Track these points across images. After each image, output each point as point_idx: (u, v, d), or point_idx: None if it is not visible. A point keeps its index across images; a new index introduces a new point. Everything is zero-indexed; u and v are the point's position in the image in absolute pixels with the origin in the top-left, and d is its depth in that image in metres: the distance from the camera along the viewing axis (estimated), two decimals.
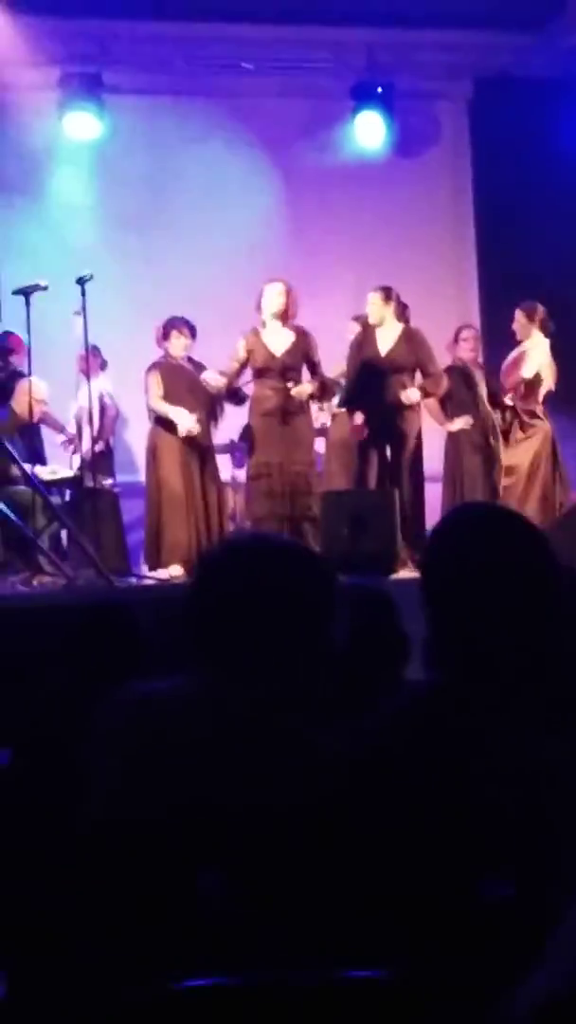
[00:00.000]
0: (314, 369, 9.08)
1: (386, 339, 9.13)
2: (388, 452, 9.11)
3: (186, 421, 9.00)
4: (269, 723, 2.20)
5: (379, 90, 11.38)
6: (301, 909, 2.04)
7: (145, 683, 2.31)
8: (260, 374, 8.96)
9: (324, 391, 9.24)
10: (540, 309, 9.66)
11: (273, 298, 8.95)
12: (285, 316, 8.97)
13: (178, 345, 9.25)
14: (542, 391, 9.60)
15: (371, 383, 9.08)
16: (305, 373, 9.08)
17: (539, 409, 9.64)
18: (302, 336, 9.01)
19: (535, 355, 9.57)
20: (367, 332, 9.25)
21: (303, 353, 8.99)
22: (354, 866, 2.03)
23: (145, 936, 2.06)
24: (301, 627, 2.28)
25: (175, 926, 2.05)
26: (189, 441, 9.10)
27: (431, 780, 2.04)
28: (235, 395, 9.08)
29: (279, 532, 8.28)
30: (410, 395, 9.01)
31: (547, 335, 9.64)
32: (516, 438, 9.61)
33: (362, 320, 9.48)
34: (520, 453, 9.58)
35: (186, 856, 2.07)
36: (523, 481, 9.54)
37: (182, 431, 9.03)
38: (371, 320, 9.22)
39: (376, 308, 9.19)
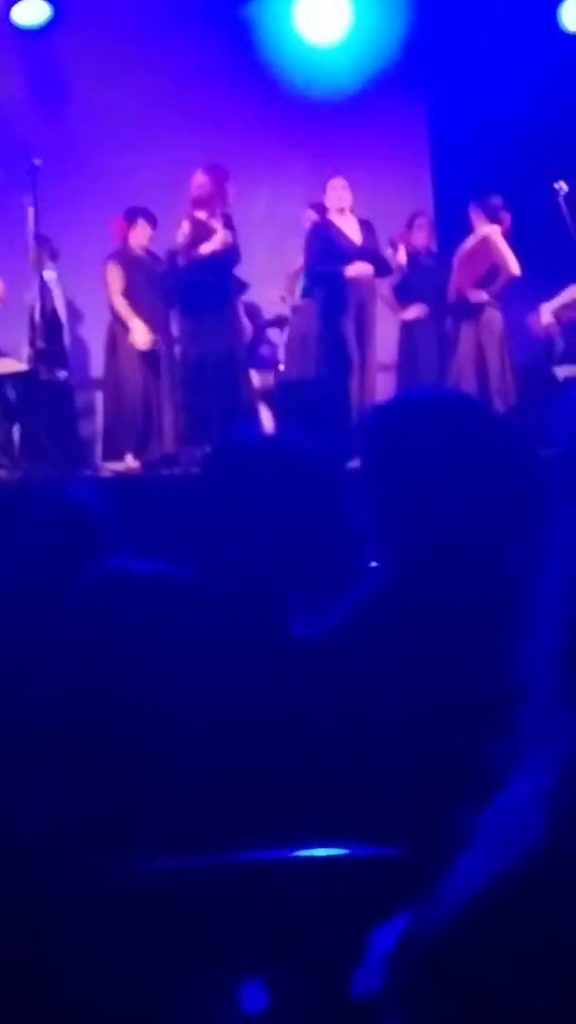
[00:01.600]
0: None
1: (350, 226, 9.06)
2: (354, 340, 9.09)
3: (140, 336, 8.95)
4: (249, 609, 2.21)
5: None
6: (257, 793, 2.06)
7: (125, 560, 2.30)
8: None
9: None
10: (497, 199, 9.59)
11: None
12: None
13: (140, 236, 9.16)
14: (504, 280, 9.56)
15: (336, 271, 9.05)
16: None
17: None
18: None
19: (505, 247, 9.48)
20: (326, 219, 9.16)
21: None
22: (328, 752, 2.05)
23: (137, 822, 2.08)
24: (305, 529, 2.26)
25: (159, 812, 2.07)
26: (151, 331, 9.07)
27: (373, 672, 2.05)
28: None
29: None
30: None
31: (499, 222, 9.58)
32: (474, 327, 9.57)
33: (318, 207, 9.37)
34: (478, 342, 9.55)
35: (156, 733, 2.09)
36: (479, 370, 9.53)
37: (137, 343, 8.98)
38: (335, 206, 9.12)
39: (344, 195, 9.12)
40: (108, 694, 2.12)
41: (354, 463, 7.80)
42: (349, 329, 9.05)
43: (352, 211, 9.14)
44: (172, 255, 8.79)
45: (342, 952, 1.79)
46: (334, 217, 9.07)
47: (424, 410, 2.23)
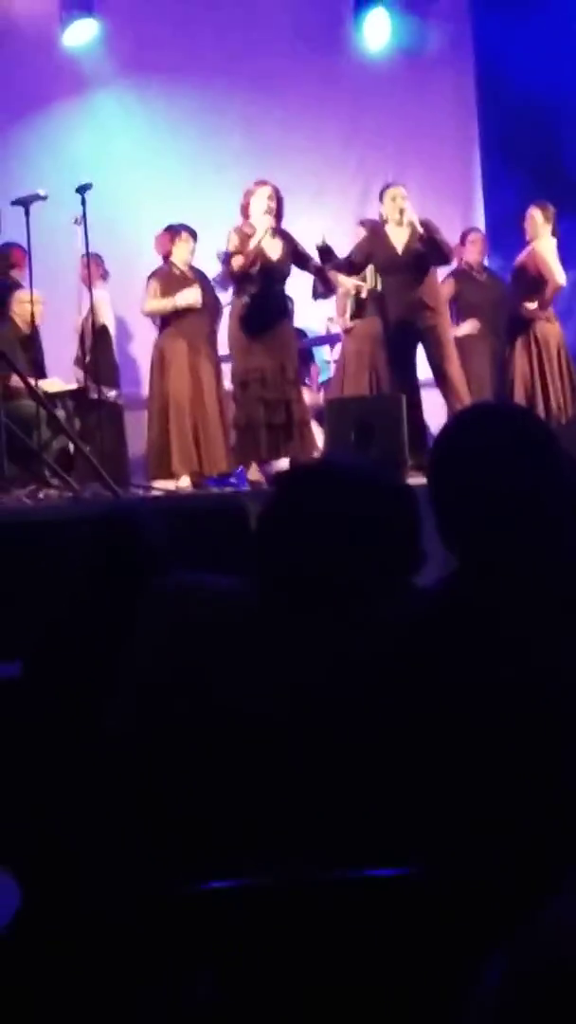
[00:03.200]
0: (306, 262, 8.85)
1: (399, 237, 8.99)
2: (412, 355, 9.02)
3: (188, 296, 8.93)
4: (304, 625, 2.18)
5: None
6: (327, 810, 2.04)
7: (191, 575, 2.30)
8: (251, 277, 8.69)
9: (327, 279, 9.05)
10: (551, 208, 9.52)
11: (264, 201, 8.67)
12: (276, 221, 8.69)
13: (183, 251, 9.16)
14: (551, 291, 9.47)
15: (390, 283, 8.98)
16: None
17: (550, 312, 9.53)
18: (288, 240, 8.76)
19: (552, 257, 9.40)
20: (378, 231, 9.04)
21: (293, 256, 8.76)
22: (378, 767, 2.02)
23: (170, 838, 2.06)
24: (376, 560, 2.24)
25: (200, 828, 2.05)
26: (196, 350, 9.03)
27: (447, 681, 2.03)
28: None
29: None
30: None
31: (555, 234, 9.51)
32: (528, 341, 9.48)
33: (369, 223, 9.32)
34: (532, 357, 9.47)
35: (215, 755, 2.06)
36: (533, 386, 9.44)
37: (183, 301, 8.95)
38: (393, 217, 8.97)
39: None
40: (192, 707, 2.10)
41: (413, 479, 7.78)
42: (409, 349, 8.97)
43: (401, 214, 8.95)
44: (227, 259, 8.74)
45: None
46: (390, 229, 8.96)
47: (485, 420, 2.27)
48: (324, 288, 9.29)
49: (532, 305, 9.36)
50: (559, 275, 9.32)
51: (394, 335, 9.02)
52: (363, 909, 1.90)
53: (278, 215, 8.69)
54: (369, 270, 9.35)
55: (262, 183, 8.74)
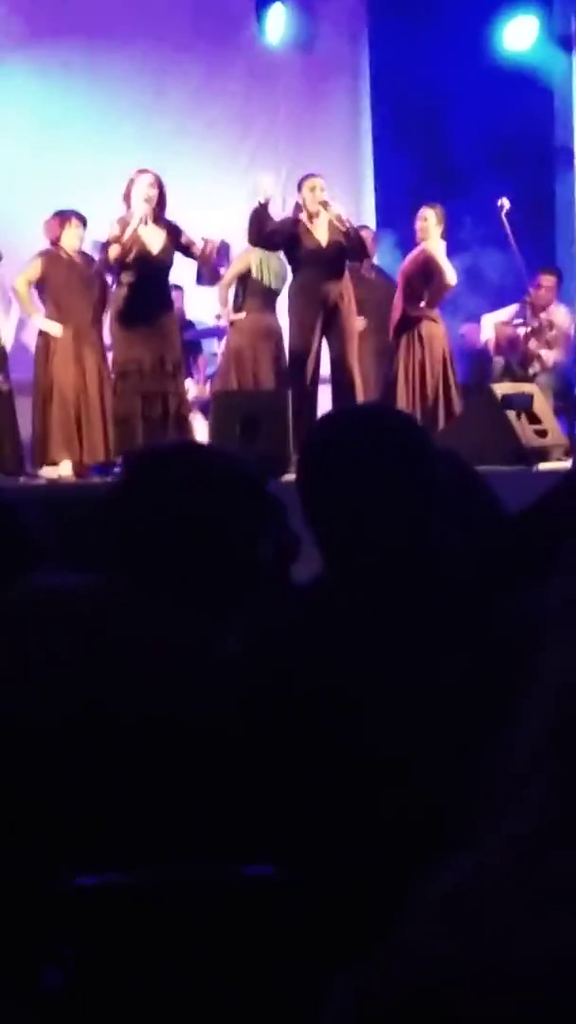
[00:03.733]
0: (189, 249, 8.77)
1: (321, 229, 8.98)
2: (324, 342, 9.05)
3: (49, 326, 8.96)
4: (175, 623, 2.15)
5: None
6: (190, 809, 2.02)
7: (47, 576, 2.26)
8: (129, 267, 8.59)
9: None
10: (442, 210, 9.59)
11: (144, 189, 8.56)
12: (158, 210, 8.60)
13: (72, 237, 9.05)
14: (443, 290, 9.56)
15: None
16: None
17: (436, 312, 9.59)
18: (172, 231, 8.67)
19: (443, 258, 9.47)
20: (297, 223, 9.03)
21: (175, 246, 8.69)
22: (245, 767, 2.02)
23: (36, 834, 2.03)
24: (230, 539, 2.25)
25: (66, 825, 2.02)
26: (81, 337, 8.95)
27: (315, 686, 2.03)
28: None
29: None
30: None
31: (443, 236, 9.58)
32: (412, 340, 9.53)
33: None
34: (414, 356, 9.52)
35: (78, 757, 2.04)
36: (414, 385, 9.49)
37: (42, 326, 9.00)
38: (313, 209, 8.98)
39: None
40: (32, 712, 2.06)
41: (289, 477, 7.76)
42: (315, 343, 9.02)
43: (324, 207, 8.97)
44: (104, 248, 8.63)
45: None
46: (312, 221, 8.95)
47: (354, 423, 2.26)
48: (209, 276, 9.24)
49: (423, 308, 9.42)
50: (451, 275, 9.39)
51: (301, 327, 9.03)
52: (224, 909, 1.90)
53: (160, 204, 8.56)
54: (255, 262, 9.33)
55: (144, 171, 8.61)
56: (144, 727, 2.05)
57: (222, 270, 9.43)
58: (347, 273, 9.12)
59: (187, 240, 8.69)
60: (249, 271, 9.45)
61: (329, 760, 1.99)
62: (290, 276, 9.20)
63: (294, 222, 9.02)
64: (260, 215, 8.84)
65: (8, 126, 10.75)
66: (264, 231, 8.93)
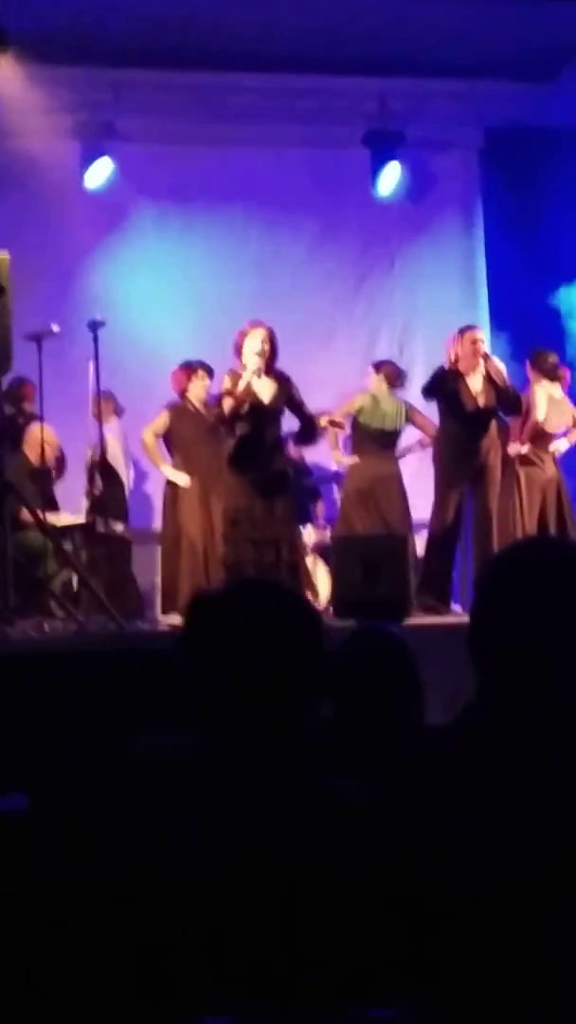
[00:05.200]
0: (300, 410, 8.83)
1: (477, 384, 9.06)
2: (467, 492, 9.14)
3: (178, 477, 9.21)
4: (281, 774, 2.15)
5: (392, 139, 11.41)
6: (315, 956, 2.03)
7: (145, 740, 2.25)
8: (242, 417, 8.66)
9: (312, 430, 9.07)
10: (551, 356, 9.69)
11: (256, 343, 8.62)
12: (269, 363, 8.65)
13: (198, 388, 9.26)
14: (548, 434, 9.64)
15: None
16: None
17: (545, 455, 9.65)
18: (284, 383, 8.73)
19: (541, 400, 9.56)
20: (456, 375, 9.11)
21: (286, 399, 8.74)
22: (373, 914, 2.00)
23: (156, 978, 2.04)
24: (294, 682, 2.22)
25: (185, 969, 2.03)
26: (207, 486, 9.09)
27: (448, 830, 1.99)
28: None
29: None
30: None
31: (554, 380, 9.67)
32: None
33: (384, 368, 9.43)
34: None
35: (208, 913, 2.05)
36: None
37: (171, 476, 9.21)
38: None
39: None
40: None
41: (413, 620, 7.73)
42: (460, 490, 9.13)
43: (485, 360, 9.09)
44: (218, 401, 8.75)
45: None
46: (465, 373, 9.06)
47: (531, 557, 2.18)
48: (311, 441, 9.28)
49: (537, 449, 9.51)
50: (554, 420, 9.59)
51: (447, 479, 9.10)
52: None
53: (271, 356, 8.63)
54: (368, 405, 9.45)
55: (256, 324, 8.71)
56: (270, 884, 2.06)
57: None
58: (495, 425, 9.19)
59: (298, 398, 8.74)
60: (359, 413, 9.57)
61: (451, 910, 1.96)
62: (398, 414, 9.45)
63: (452, 374, 9.08)
64: (443, 376, 9.02)
65: (132, 282, 11.04)
66: (434, 387, 9.09)
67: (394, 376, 9.73)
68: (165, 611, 9.08)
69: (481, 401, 8.99)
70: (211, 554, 9.07)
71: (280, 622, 2.24)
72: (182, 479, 9.18)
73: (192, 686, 2.24)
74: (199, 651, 2.25)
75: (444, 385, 9.01)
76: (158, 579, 9.69)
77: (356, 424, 9.66)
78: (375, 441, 9.61)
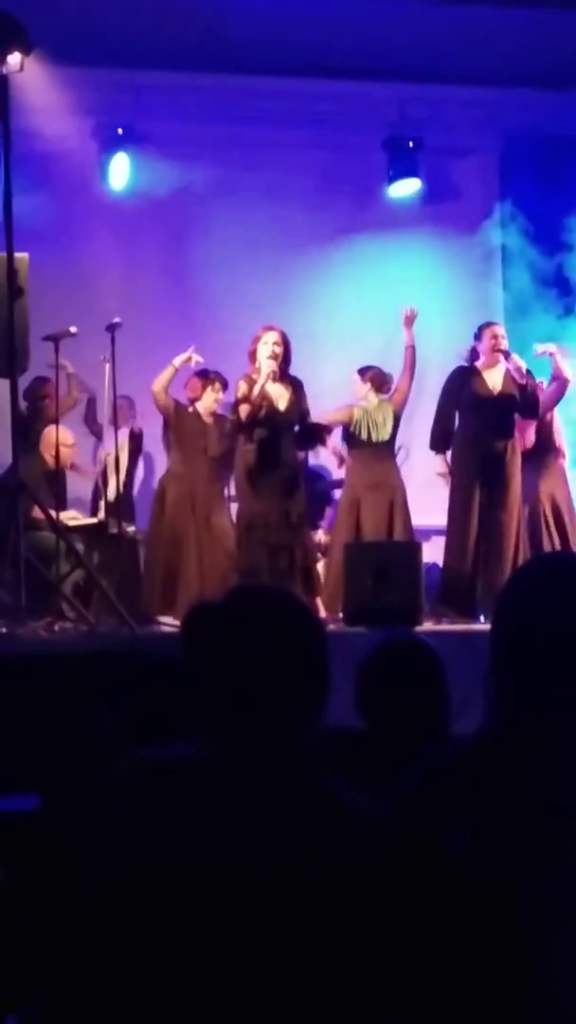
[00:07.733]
0: (303, 419, 8.83)
1: (495, 378, 9.07)
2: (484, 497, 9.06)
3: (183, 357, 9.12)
4: (299, 785, 2.15)
5: (410, 144, 11.43)
6: (330, 976, 2.02)
7: (153, 750, 2.25)
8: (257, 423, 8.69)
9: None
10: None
11: (270, 347, 8.64)
12: (283, 366, 8.68)
13: (209, 399, 9.27)
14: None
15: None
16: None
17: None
18: (297, 388, 8.75)
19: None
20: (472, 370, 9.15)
21: (299, 406, 8.76)
22: (393, 932, 1.98)
23: (171, 1001, 2.04)
24: (304, 686, 2.22)
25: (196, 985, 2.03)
26: (197, 490, 9.10)
27: (474, 840, 1.96)
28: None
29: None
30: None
31: None
32: None
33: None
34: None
35: (207, 922, 2.05)
36: None
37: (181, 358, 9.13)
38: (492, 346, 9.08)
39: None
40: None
41: (425, 627, 7.73)
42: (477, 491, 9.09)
43: (506, 357, 9.08)
44: (234, 408, 8.76)
45: None
46: (486, 370, 9.06)
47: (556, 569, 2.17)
48: (309, 445, 9.27)
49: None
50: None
51: (462, 482, 9.08)
52: None
53: (284, 359, 8.66)
54: (358, 416, 9.41)
55: (269, 328, 8.73)
56: (280, 893, 2.06)
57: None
58: (515, 430, 9.16)
59: (305, 406, 8.77)
60: (349, 423, 9.51)
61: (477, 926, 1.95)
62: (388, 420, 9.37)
63: (468, 371, 9.11)
64: (456, 379, 9.10)
65: (147, 285, 11.06)
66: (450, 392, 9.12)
67: (380, 381, 9.64)
68: (161, 612, 9.01)
69: (496, 392, 9.01)
70: (207, 556, 9.05)
71: (281, 629, 2.23)
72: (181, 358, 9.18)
73: (194, 694, 2.25)
74: (200, 660, 2.26)
75: (459, 386, 9.06)
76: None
77: (350, 436, 9.56)
78: (368, 451, 9.51)
